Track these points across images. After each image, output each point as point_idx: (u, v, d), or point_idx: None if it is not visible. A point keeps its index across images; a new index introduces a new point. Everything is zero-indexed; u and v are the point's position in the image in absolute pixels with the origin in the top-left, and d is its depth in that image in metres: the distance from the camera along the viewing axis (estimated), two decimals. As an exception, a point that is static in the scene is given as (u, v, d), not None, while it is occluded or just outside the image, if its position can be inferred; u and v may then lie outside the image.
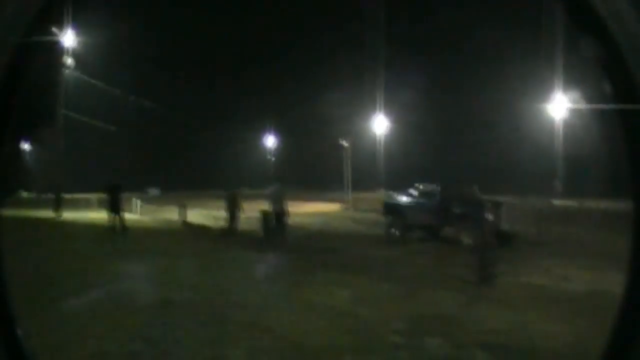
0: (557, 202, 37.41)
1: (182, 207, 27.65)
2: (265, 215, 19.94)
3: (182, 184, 59.64)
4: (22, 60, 1.68)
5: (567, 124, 45.12)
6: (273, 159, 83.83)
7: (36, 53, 1.75)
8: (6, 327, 1.74)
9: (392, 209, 21.96)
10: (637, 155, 1.53)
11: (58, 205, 30.77)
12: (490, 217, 15.24)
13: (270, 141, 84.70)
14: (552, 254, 16.06)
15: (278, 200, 19.11)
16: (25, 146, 39.20)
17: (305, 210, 34.48)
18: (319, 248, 17.72)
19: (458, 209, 19.07)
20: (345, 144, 39.67)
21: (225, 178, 40.57)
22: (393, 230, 21.15)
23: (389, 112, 59.71)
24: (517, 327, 8.07)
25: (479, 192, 21.12)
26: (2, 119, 1.71)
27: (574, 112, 43.35)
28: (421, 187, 21.26)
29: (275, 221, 19.04)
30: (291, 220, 19.48)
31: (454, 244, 18.32)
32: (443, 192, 20.31)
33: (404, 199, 21.82)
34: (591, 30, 1.53)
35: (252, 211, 23.70)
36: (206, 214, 30.55)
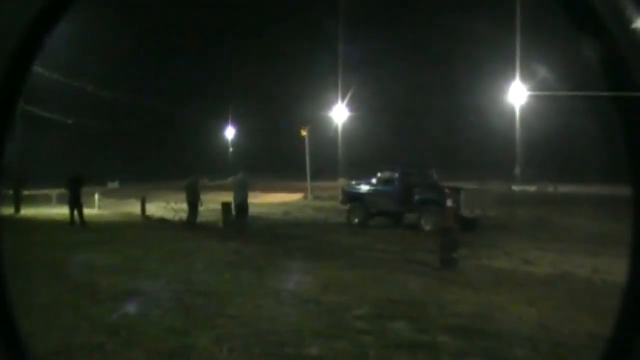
0: (516, 187, 37.93)
1: (142, 200, 27.24)
2: (225, 206, 19.81)
3: (141, 175, 59.05)
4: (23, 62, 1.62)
5: (527, 111, 45.59)
6: (232, 149, 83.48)
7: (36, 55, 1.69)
8: (6, 327, 1.68)
9: (352, 197, 22.02)
10: (636, 148, 1.50)
11: (17, 201, 30.00)
12: (450, 202, 15.34)
13: (230, 132, 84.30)
14: (513, 238, 16.32)
15: (240, 191, 18.94)
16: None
17: (267, 201, 34.38)
18: (281, 237, 17.65)
19: (418, 195, 19.22)
20: (304, 133, 39.41)
21: (185, 169, 40.19)
22: (354, 217, 21.25)
23: (350, 102, 60.01)
24: (480, 311, 8.11)
25: (437, 176, 21.33)
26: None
27: (533, 99, 43.88)
28: (379, 174, 21.36)
29: (236, 211, 18.89)
30: (252, 210, 19.34)
31: (416, 229, 18.45)
32: (402, 178, 20.41)
33: (363, 186, 21.89)
34: (590, 29, 1.50)
35: (212, 202, 23.52)
36: (166, 207, 30.23)
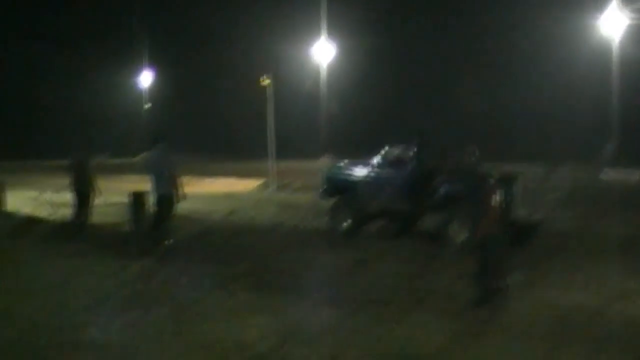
0: (607, 174, 37.70)
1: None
2: (136, 198, 19.29)
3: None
4: None
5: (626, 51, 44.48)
6: (149, 105, 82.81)
7: None
8: None
9: (340, 187, 21.58)
10: None
11: None
12: (497, 198, 15.02)
13: (146, 79, 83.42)
14: (598, 256, 16.04)
15: (160, 174, 18.39)
16: None
17: (205, 191, 34.09)
18: (225, 251, 17.38)
19: (444, 186, 18.87)
20: (266, 82, 38.32)
21: (74, 141, 39.83)
22: (341, 220, 20.85)
23: (336, 36, 59.43)
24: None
25: (478, 156, 20.96)
26: None
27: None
28: (385, 150, 20.75)
29: (156, 208, 18.39)
30: (181, 206, 18.85)
31: (439, 241, 18.13)
32: (420, 158, 19.94)
33: (358, 170, 21.43)
34: None
35: (116, 193, 23.07)
36: (39, 198, 29.81)
